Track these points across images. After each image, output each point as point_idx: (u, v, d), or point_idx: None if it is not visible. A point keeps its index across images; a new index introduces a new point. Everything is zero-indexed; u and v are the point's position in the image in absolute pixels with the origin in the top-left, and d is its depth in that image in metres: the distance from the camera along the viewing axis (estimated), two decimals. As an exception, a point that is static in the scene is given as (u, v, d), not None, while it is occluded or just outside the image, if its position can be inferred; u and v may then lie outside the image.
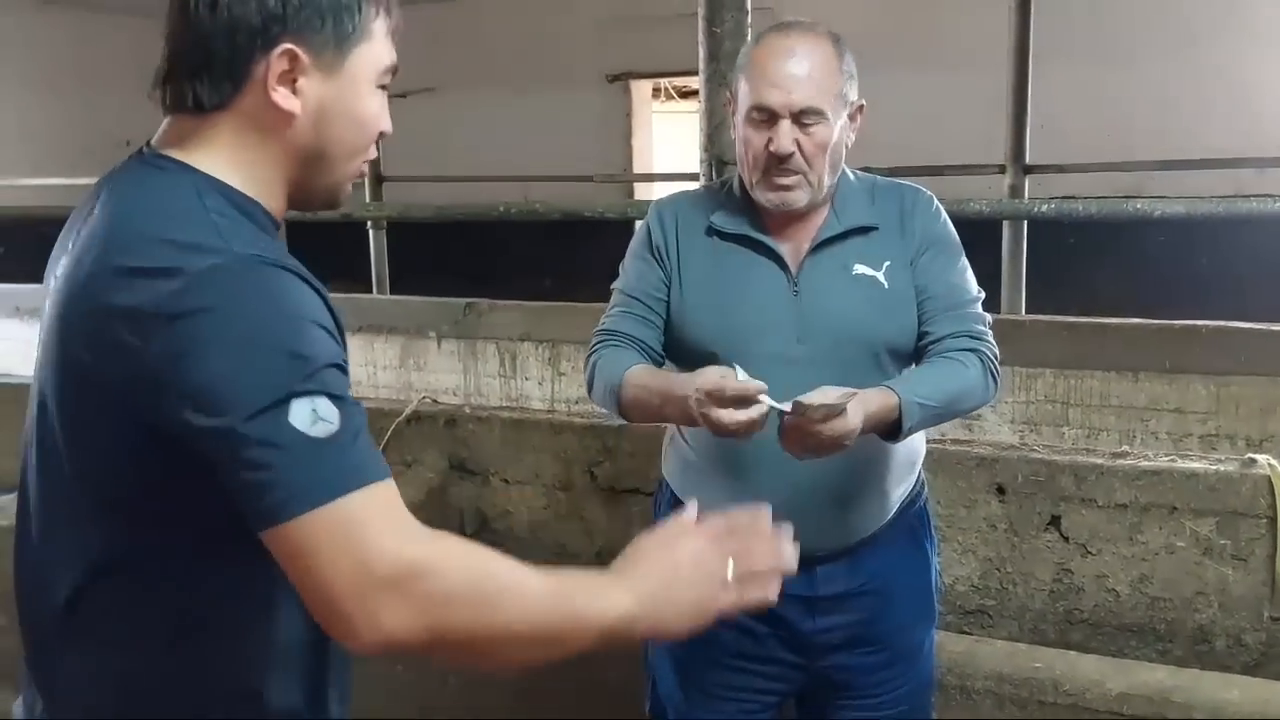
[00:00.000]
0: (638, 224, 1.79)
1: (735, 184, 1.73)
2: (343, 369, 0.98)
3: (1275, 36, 6.75)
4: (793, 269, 1.67)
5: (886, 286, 1.65)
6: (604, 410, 1.74)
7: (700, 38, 2.74)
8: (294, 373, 0.92)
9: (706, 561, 1.06)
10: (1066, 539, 2.50)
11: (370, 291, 5.91)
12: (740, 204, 1.70)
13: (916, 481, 1.80)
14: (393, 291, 5.90)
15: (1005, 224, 5.05)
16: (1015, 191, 5.12)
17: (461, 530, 3.20)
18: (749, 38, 2.55)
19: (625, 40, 8.48)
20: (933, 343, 1.65)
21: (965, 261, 1.73)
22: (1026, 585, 2.54)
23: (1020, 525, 2.52)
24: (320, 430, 0.92)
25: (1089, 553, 2.48)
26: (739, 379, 1.45)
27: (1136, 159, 5.85)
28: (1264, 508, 2.32)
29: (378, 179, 6.24)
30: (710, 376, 1.46)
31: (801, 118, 1.58)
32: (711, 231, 1.70)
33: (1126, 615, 2.46)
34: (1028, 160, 5.13)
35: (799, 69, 1.58)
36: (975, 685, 2.02)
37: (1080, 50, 6.89)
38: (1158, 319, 4.35)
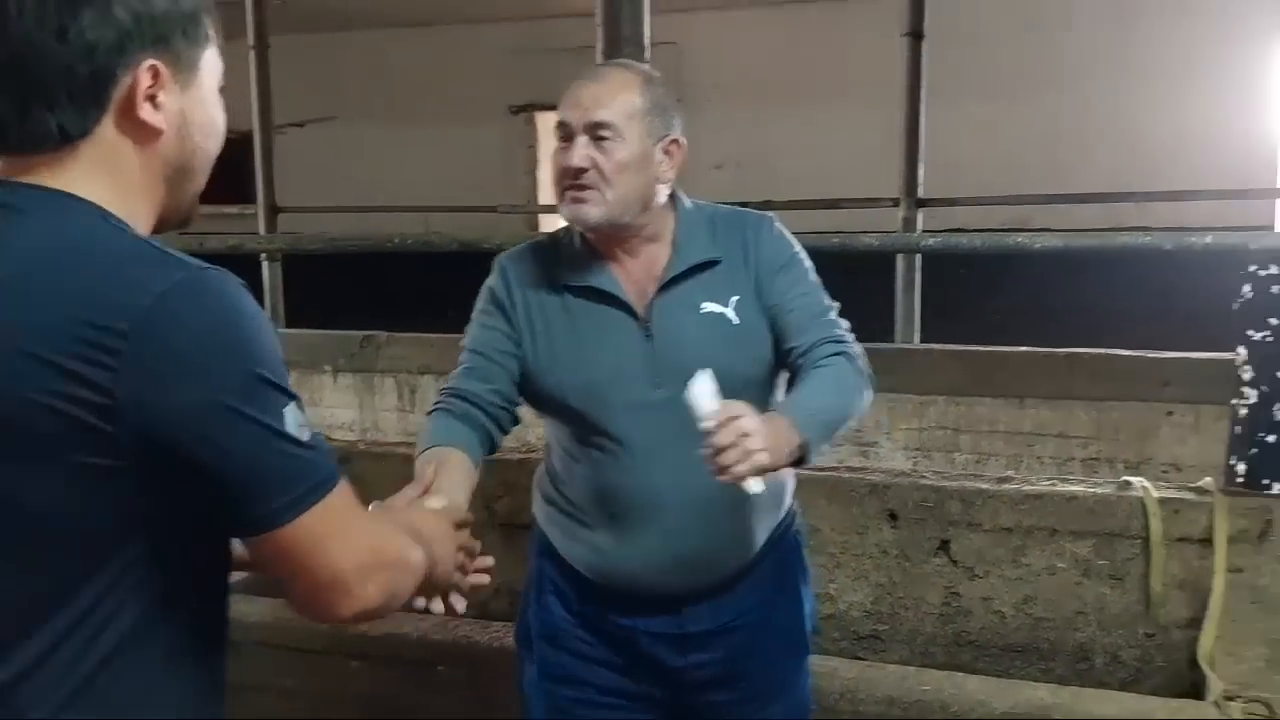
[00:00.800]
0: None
1: (576, 231, 1.71)
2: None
3: (1152, 75, 7.07)
4: (641, 314, 1.65)
5: (736, 321, 1.64)
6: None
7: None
8: (282, 379, 0.98)
9: (453, 535, 1.30)
10: (955, 563, 2.57)
11: (267, 324, 5.80)
12: (584, 253, 1.69)
13: (785, 515, 1.79)
14: (287, 325, 5.81)
15: (899, 256, 5.20)
16: (908, 224, 5.27)
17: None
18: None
19: (529, 72, 8.51)
20: (801, 354, 1.64)
21: (816, 278, 1.73)
22: (917, 609, 2.60)
23: (911, 550, 2.59)
24: (306, 434, 0.99)
25: (976, 576, 2.55)
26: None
27: (1025, 193, 6.08)
28: (1138, 529, 2.42)
29: (272, 209, 6.15)
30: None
31: (596, 131, 1.59)
32: (557, 284, 1.69)
33: (1011, 636, 2.53)
34: (921, 194, 5.29)
35: (596, 89, 1.62)
36: (867, 710, 2.06)
37: (972, 88, 7.15)
38: (1045, 347, 4.52)
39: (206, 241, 5.38)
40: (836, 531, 2.63)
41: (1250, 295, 2.42)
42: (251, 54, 6.01)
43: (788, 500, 1.79)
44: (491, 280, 1.73)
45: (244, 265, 5.76)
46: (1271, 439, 2.41)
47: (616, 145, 1.60)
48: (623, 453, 1.64)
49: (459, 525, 1.33)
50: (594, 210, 1.60)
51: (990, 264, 6.71)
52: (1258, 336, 2.44)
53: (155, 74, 1.00)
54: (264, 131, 6.13)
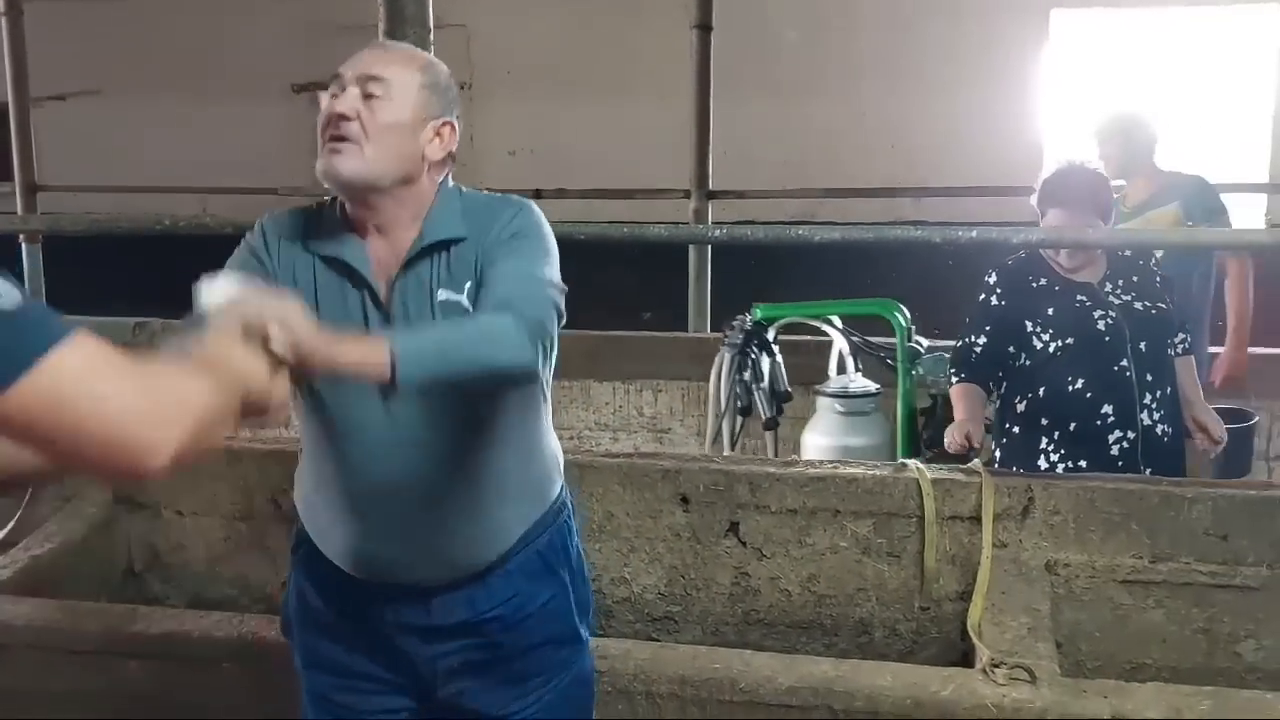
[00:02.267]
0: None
1: (341, 205, 1.68)
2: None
3: (927, 77, 7.45)
4: (383, 296, 1.62)
5: (470, 310, 1.59)
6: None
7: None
8: None
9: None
10: (744, 544, 2.63)
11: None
12: (341, 224, 1.66)
13: (550, 510, 1.76)
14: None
15: (691, 248, 5.30)
16: (699, 216, 5.38)
17: (130, 568, 2.97)
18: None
19: (313, 50, 8.19)
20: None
21: (548, 257, 1.65)
22: (709, 590, 2.66)
23: (702, 533, 2.64)
24: (8, 303, 0.96)
25: (764, 556, 2.63)
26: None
27: (809, 186, 6.30)
28: (913, 508, 2.55)
29: (30, 187, 5.71)
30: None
31: (367, 85, 1.58)
32: (310, 251, 1.65)
33: (797, 613, 2.62)
34: (711, 186, 5.41)
35: (379, 53, 1.67)
36: (660, 690, 2.08)
37: (762, 83, 7.34)
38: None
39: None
40: (631, 516, 2.65)
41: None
42: (2, 20, 5.54)
43: (553, 491, 1.77)
44: (250, 237, 1.69)
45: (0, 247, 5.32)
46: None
47: (385, 105, 1.58)
48: (361, 441, 1.62)
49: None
50: (349, 163, 1.57)
51: (777, 256, 6.93)
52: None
53: None
54: (19, 103, 5.68)
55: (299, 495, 1.79)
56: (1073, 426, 2.75)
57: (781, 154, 7.38)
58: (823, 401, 3.70)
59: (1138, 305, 2.80)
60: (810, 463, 2.70)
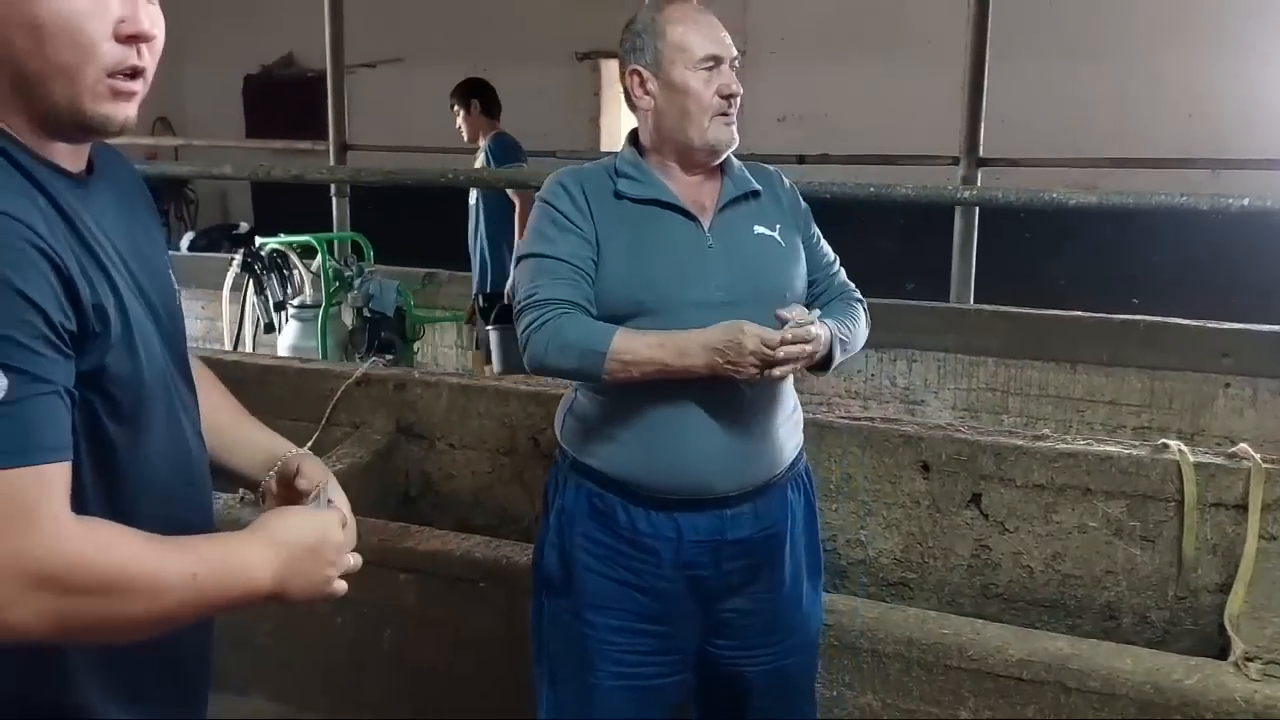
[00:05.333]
0: (537, 196, 1.87)
1: (628, 157, 1.86)
2: (18, 341, 0.92)
3: (1225, 43, 6.86)
4: (705, 226, 1.80)
5: (782, 244, 1.85)
6: (555, 375, 1.79)
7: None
8: None
9: (333, 545, 1.12)
10: (986, 516, 2.59)
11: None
12: (641, 174, 1.83)
13: (801, 442, 1.92)
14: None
15: (957, 214, 5.14)
16: (968, 183, 5.20)
17: (406, 493, 3.26)
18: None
19: (594, 20, 8.49)
20: (823, 289, 1.94)
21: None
22: (946, 560, 2.64)
23: (942, 502, 2.62)
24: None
25: (1007, 530, 2.57)
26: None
27: (1090, 155, 5.96)
28: (1172, 492, 2.43)
29: (342, 147, 6.26)
30: (751, 330, 1.65)
31: (734, 63, 1.82)
32: (620, 196, 1.80)
33: (1039, 591, 2.56)
34: (982, 153, 5.22)
35: (720, 28, 1.82)
36: (886, 649, 2.10)
37: (1040, 47, 6.99)
38: (1101, 313, 4.47)
39: (274, 171, 5.56)
40: (869, 480, 2.66)
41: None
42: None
43: (800, 426, 1.93)
44: (552, 195, 1.82)
45: (316, 197, 5.97)
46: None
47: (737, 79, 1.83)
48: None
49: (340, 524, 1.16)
50: (736, 134, 1.82)
51: (1052, 226, 6.61)
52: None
53: None
54: (335, 71, 6.22)
55: (577, 426, 1.85)
56: None
57: (1064, 122, 7.01)
58: (290, 312, 5.01)
59: None
60: (1060, 438, 2.61)
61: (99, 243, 1.04)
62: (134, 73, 1.04)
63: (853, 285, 1.98)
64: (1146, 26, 7.10)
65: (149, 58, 1.05)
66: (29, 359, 0.92)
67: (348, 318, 5.00)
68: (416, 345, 5.30)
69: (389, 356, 4.52)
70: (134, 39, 1.03)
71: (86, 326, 0.98)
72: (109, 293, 1.02)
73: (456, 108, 5.13)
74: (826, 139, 6.28)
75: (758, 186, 1.88)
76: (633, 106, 1.86)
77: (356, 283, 4.94)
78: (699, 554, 1.78)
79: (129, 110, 1.04)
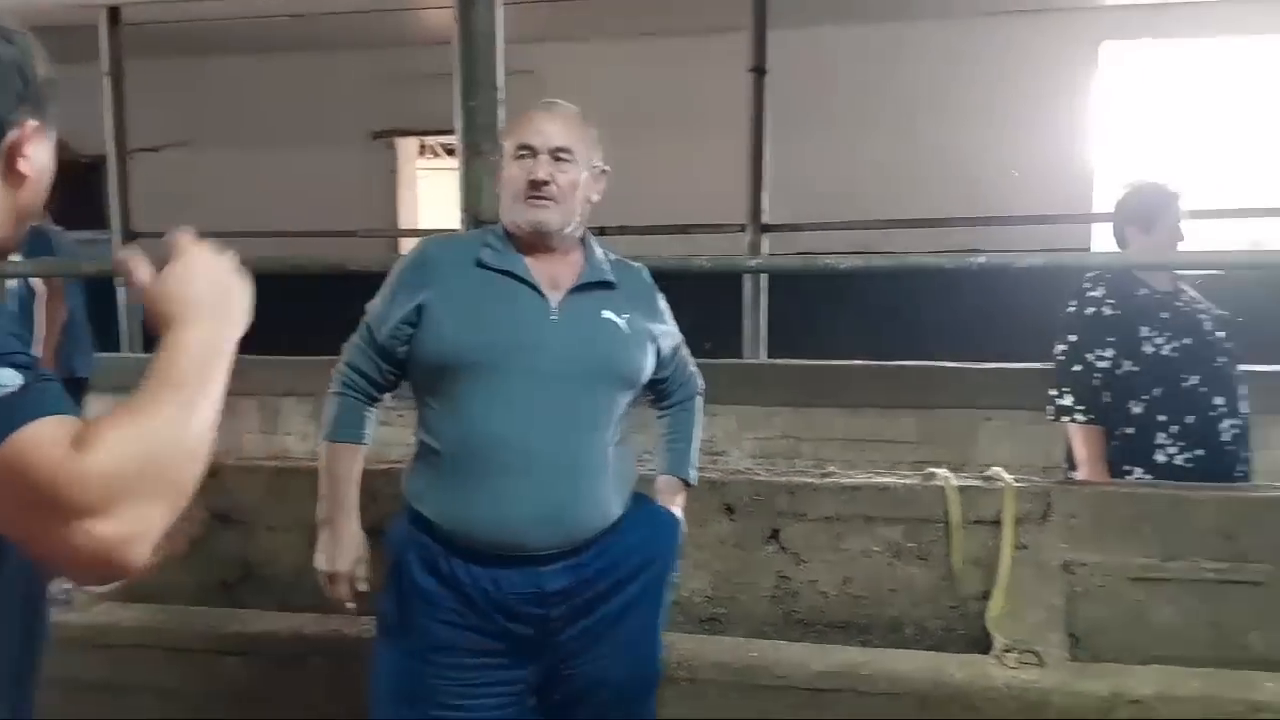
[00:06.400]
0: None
1: (498, 232, 2.05)
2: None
3: (979, 110, 7.62)
4: (552, 302, 1.98)
5: (626, 331, 2.02)
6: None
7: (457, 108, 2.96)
8: None
9: (209, 262, 1.19)
10: (784, 549, 2.84)
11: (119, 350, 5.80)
12: (505, 247, 2.01)
13: (629, 497, 2.10)
14: (145, 350, 5.82)
15: (746, 278, 5.53)
16: (754, 249, 5.61)
17: (223, 581, 3.25)
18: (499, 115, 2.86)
19: (390, 98, 8.61)
20: (675, 390, 2.26)
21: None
22: (752, 593, 2.86)
23: (745, 540, 2.85)
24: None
25: (803, 560, 2.83)
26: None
27: (862, 219, 6.49)
28: (940, 514, 2.74)
29: (128, 234, 6.13)
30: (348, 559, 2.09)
31: (558, 154, 1.98)
32: (479, 264, 1.99)
33: (834, 613, 2.82)
34: (765, 220, 5.64)
35: (554, 121, 2.03)
36: (702, 675, 2.30)
37: (815, 121, 7.57)
38: (878, 361, 4.90)
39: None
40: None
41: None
42: (106, 79, 6.01)
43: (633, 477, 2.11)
44: (411, 255, 2.04)
45: (101, 291, 5.70)
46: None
47: (570, 167, 1.98)
48: (509, 411, 1.90)
49: None
50: (552, 217, 1.97)
51: (829, 287, 7.11)
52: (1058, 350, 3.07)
53: (37, 130, 1.19)
54: (119, 156, 6.13)
55: (417, 480, 2.03)
56: (1190, 420, 2.96)
57: (837, 188, 7.58)
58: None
59: (1203, 305, 3.05)
60: (845, 474, 2.90)
61: None
62: None
63: (699, 378, 2.29)
64: (906, 97, 7.80)
65: None
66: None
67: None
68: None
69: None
70: None
71: None
72: None
73: None
74: (623, 210, 6.59)
75: (612, 279, 2.06)
76: None
77: None
78: (520, 603, 1.94)
79: None
